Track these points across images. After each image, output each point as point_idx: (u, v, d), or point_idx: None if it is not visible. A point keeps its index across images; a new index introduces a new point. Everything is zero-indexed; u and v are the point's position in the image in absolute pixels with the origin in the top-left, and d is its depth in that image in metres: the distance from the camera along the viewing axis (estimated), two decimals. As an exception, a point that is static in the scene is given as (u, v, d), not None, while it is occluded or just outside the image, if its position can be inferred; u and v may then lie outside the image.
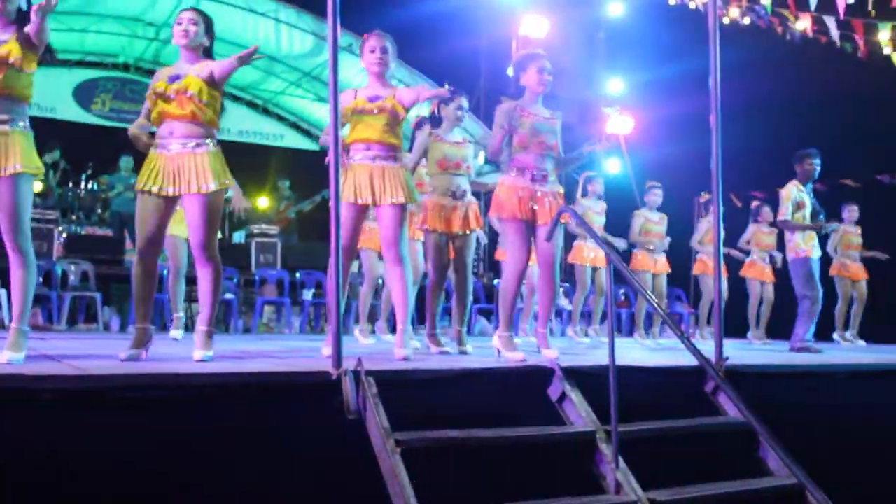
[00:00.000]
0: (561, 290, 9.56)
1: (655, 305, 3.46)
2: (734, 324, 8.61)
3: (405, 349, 3.96)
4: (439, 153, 4.99)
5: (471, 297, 5.07)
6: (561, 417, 3.30)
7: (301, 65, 13.43)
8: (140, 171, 3.82)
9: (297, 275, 9.92)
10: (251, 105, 14.70)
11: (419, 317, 7.58)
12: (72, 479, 2.51)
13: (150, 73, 13.56)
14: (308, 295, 9.87)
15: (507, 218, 4.24)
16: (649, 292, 3.29)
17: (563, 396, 3.34)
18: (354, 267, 10.74)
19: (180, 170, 3.72)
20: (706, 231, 8.45)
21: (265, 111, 14.84)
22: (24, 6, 3.54)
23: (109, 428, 2.63)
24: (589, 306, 8.46)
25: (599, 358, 3.84)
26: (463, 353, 4.71)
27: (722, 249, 4.28)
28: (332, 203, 3.22)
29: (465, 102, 5.15)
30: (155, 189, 3.71)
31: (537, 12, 12.11)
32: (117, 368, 3.12)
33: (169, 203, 3.78)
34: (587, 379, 3.37)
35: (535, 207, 4.24)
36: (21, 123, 3.51)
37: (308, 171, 12.84)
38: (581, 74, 12.66)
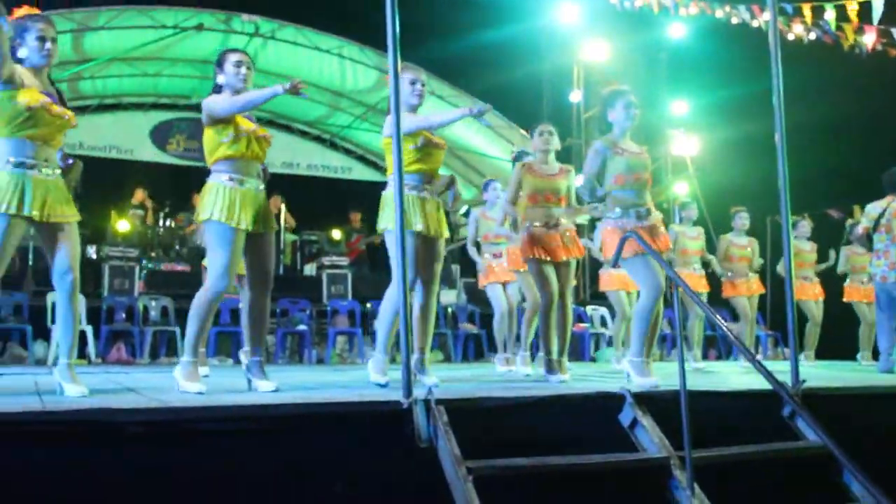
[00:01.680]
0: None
1: (726, 330, 3.42)
2: (837, 347, 8.43)
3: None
4: (530, 187, 5.02)
5: (570, 326, 5.04)
6: (633, 444, 3.28)
7: (365, 98, 13.71)
8: (222, 206, 3.80)
9: (368, 305, 10.05)
10: (319, 139, 15.07)
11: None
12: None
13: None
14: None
15: (629, 256, 4.21)
16: (717, 317, 3.26)
17: (634, 422, 3.32)
18: (452, 298, 10.89)
19: (261, 208, 3.91)
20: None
21: (332, 145, 15.18)
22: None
23: (190, 458, 2.72)
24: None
25: (671, 383, 3.81)
26: (562, 381, 4.65)
27: (793, 271, 4.20)
28: (396, 234, 3.28)
29: (549, 128, 5.19)
30: (244, 226, 3.81)
31: (598, 37, 12.11)
32: (197, 401, 3.24)
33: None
34: (658, 404, 3.35)
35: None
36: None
37: (377, 203, 13.05)
38: (643, 97, 12.59)
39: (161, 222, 11.92)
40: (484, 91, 12.96)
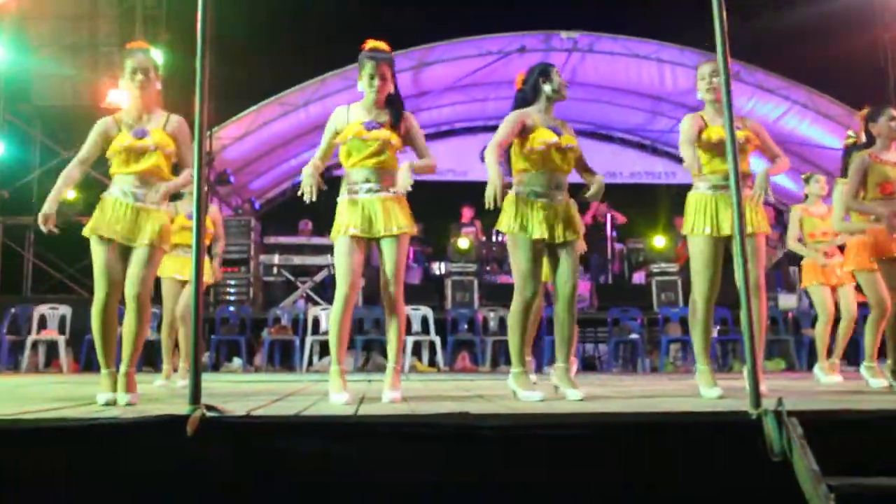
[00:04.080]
0: None
1: None
2: None
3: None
4: (880, 176, 4.57)
5: None
6: None
7: (687, 100, 13.34)
8: (513, 217, 4.07)
9: (700, 312, 9.74)
10: (640, 146, 14.96)
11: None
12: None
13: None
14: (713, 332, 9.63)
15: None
16: None
17: None
18: (791, 302, 10.27)
19: (559, 218, 4.04)
20: None
21: (654, 151, 14.97)
22: (391, 90, 4.04)
23: (531, 461, 2.85)
24: None
25: None
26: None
27: None
28: (736, 236, 3.17)
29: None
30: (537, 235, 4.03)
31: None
32: (539, 408, 3.41)
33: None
34: None
35: None
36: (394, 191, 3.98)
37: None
38: None
39: (494, 237, 12.61)
40: (814, 72, 11.93)
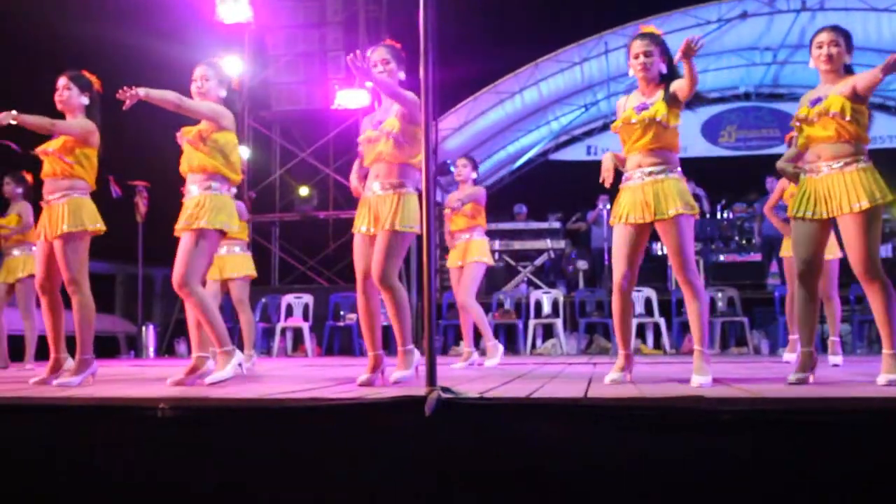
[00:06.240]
0: None
1: None
2: None
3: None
4: None
5: None
6: None
7: (938, 53, 12.01)
8: (795, 197, 3.88)
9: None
10: (882, 108, 13.62)
11: None
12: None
13: (771, 97, 13.70)
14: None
15: None
16: None
17: None
18: None
19: (830, 191, 3.72)
20: None
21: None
22: (663, 69, 3.97)
23: (778, 450, 2.73)
24: None
25: None
26: None
27: None
28: None
29: None
30: (809, 214, 3.77)
31: None
32: (784, 391, 3.26)
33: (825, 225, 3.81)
34: None
35: None
36: (673, 173, 3.95)
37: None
38: None
39: (720, 214, 12.06)
40: None
